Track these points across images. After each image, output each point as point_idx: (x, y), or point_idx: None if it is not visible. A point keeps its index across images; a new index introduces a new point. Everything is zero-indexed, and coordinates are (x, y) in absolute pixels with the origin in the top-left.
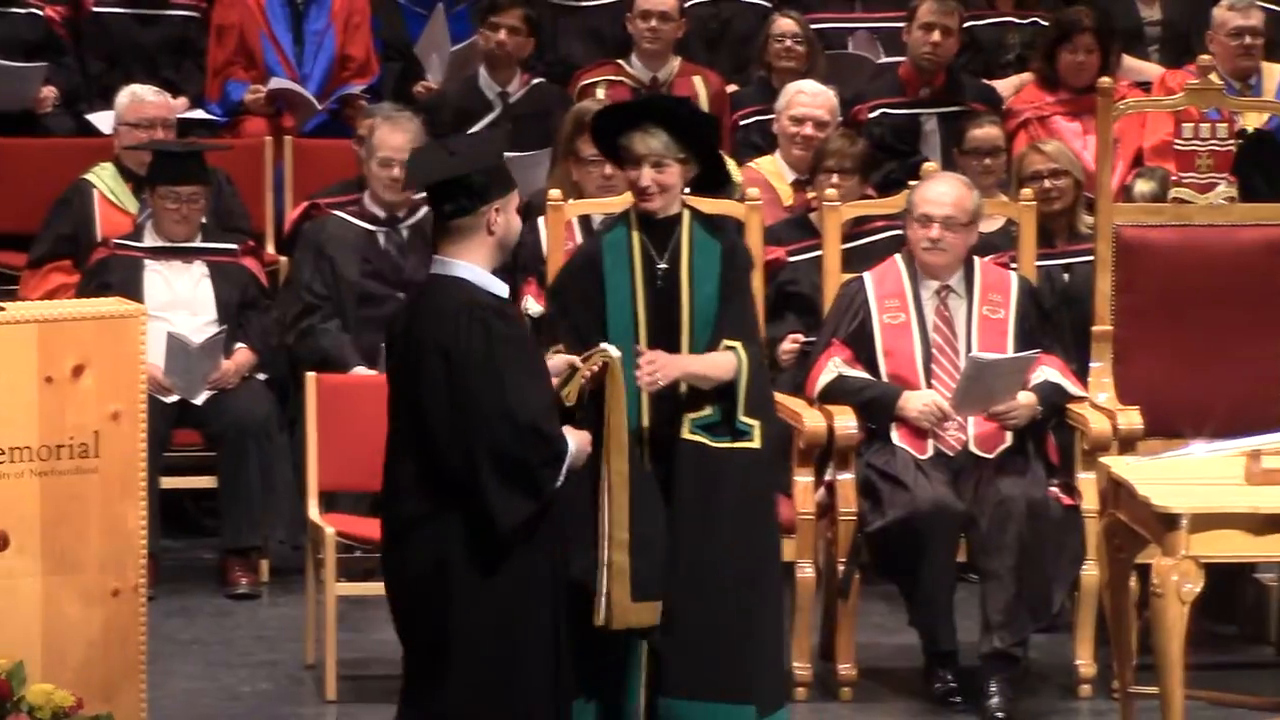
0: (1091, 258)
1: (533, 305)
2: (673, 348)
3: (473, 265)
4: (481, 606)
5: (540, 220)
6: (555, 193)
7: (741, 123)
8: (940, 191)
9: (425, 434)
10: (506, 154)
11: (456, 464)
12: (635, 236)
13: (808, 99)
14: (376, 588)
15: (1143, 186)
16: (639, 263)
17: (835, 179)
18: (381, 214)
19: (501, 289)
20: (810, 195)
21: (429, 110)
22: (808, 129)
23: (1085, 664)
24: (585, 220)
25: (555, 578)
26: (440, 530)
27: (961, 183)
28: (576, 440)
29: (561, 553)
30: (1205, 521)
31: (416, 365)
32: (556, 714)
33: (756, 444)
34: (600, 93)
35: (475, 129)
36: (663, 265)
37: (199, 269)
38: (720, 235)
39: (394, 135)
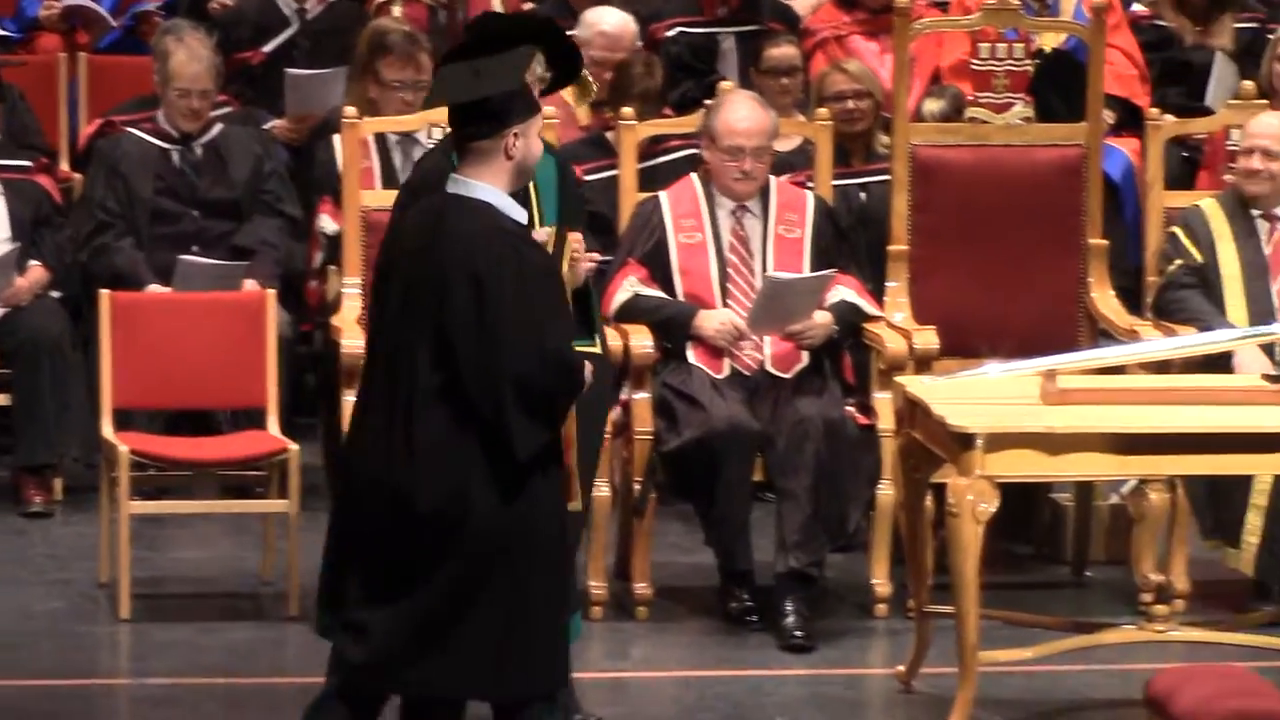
0: (888, 177)
1: (328, 224)
2: None
3: (493, 188)
4: (499, 531)
5: (336, 138)
6: (351, 110)
7: None
8: (748, 121)
9: (449, 356)
10: (298, 71)
11: (478, 390)
12: None
13: (610, 35)
14: (171, 506)
15: (932, 105)
16: None
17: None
18: (175, 132)
19: (521, 214)
20: (608, 115)
21: (224, 26)
22: (596, 50)
23: (881, 583)
24: (381, 139)
25: (560, 499)
26: (461, 455)
27: (761, 105)
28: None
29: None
30: (1000, 441)
31: (441, 288)
32: (564, 632)
33: (599, 349)
34: (396, 9)
35: (275, 43)
36: None
37: None
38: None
39: (190, 65)
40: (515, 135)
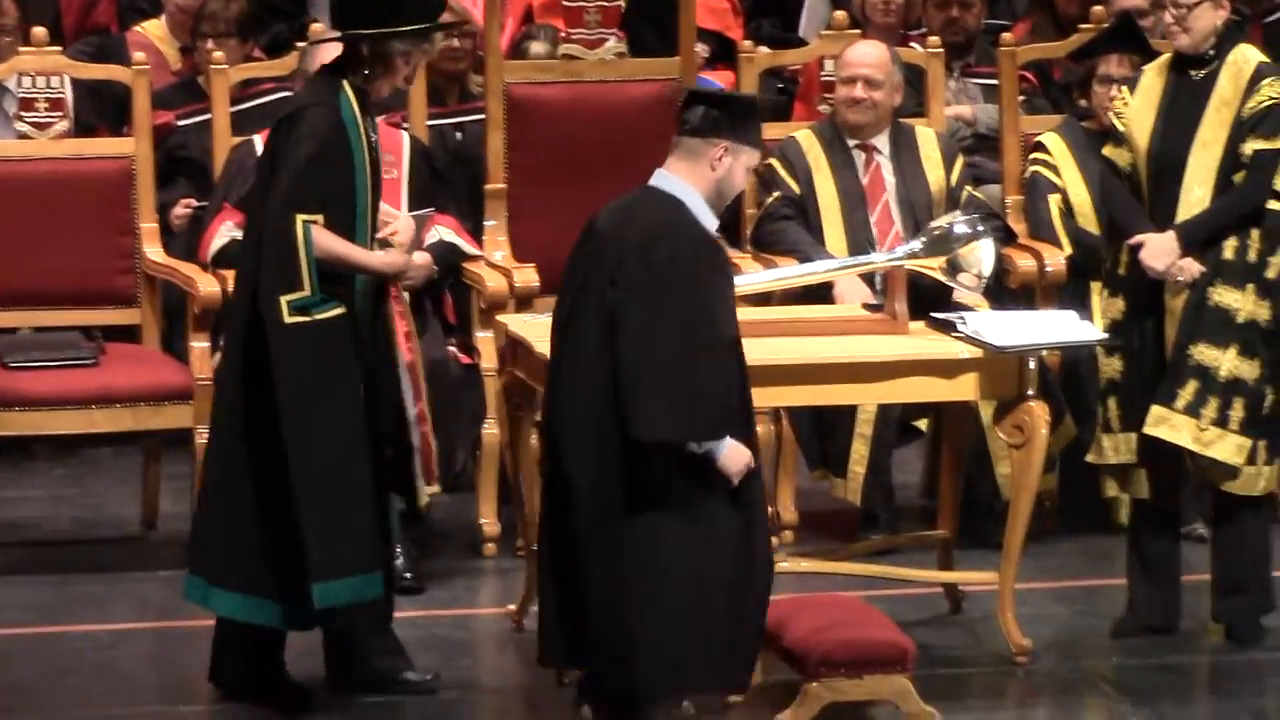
0: (483, 116)
1: None
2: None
3: (692, 189)
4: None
5: None
6: None
7: None
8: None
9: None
10: None
11: (621, 365)
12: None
13: None
14: None
15: (538, 47)
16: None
17: (211, 44)
18: None
19: (711, 220)
20: (198, 59)
21: None
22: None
23: (489, 523)
24: None
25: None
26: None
27: None
28: (734, 448)
29: None
30: None
31: (616, 266)
32: None
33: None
34: None
35: None
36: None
37: None
38: None
39: None
40: (725, 150)
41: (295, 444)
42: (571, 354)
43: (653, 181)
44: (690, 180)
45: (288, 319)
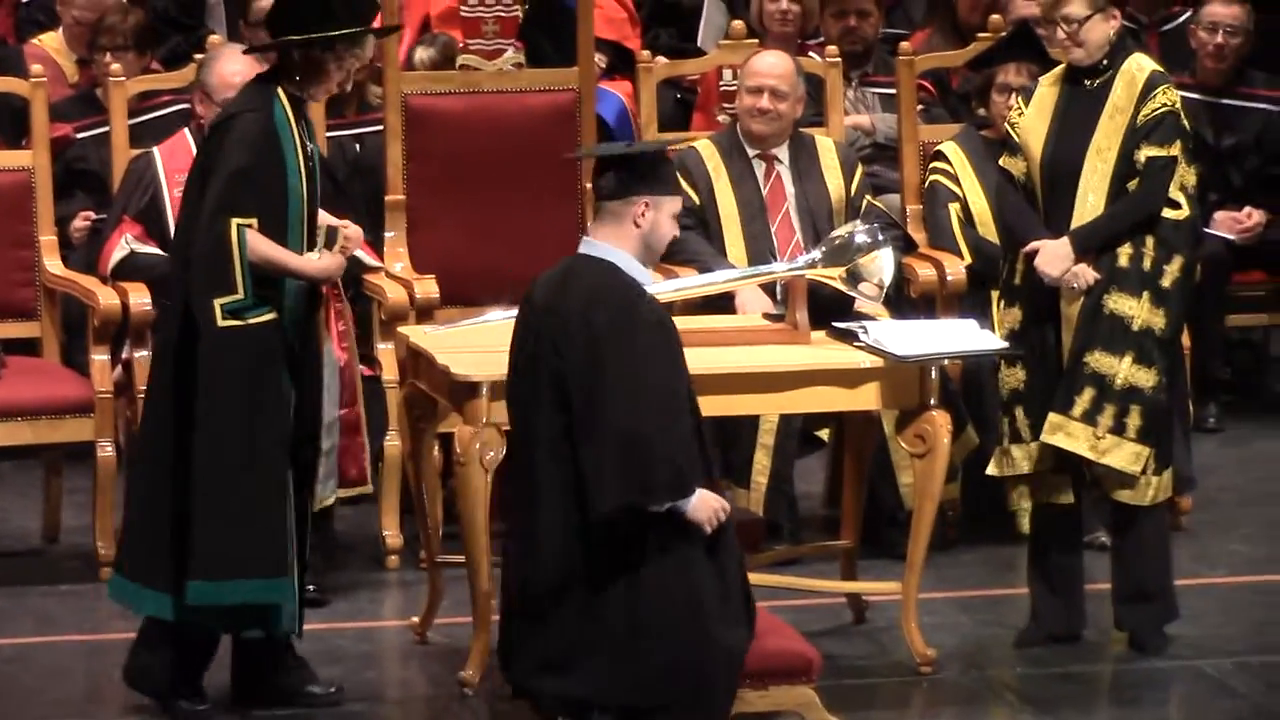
0: (381, 128)
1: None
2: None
3: (620, 251)
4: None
5: None
6: None
7: (22, 0)
8: (220, 61)
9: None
10: None
11: (581, 438)
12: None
13: None
14: None
15: (423, 54)
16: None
17: (109, 56)
18: None
19: (645, 275)
20: (96, 71)
21: None
22: (78, 10)
23: (392, 535)
24: None
25: None
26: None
27: (244, 56)
28: (701, 498)
29: None
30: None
31: (559, 336)
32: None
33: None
34: None
35: None
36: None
37: None
38: None
39: None
40: (646, 205)
41: (207, 439)
42: (531, 428)
43: (581, 249)
44: (617, 242)
45: (221, 322)
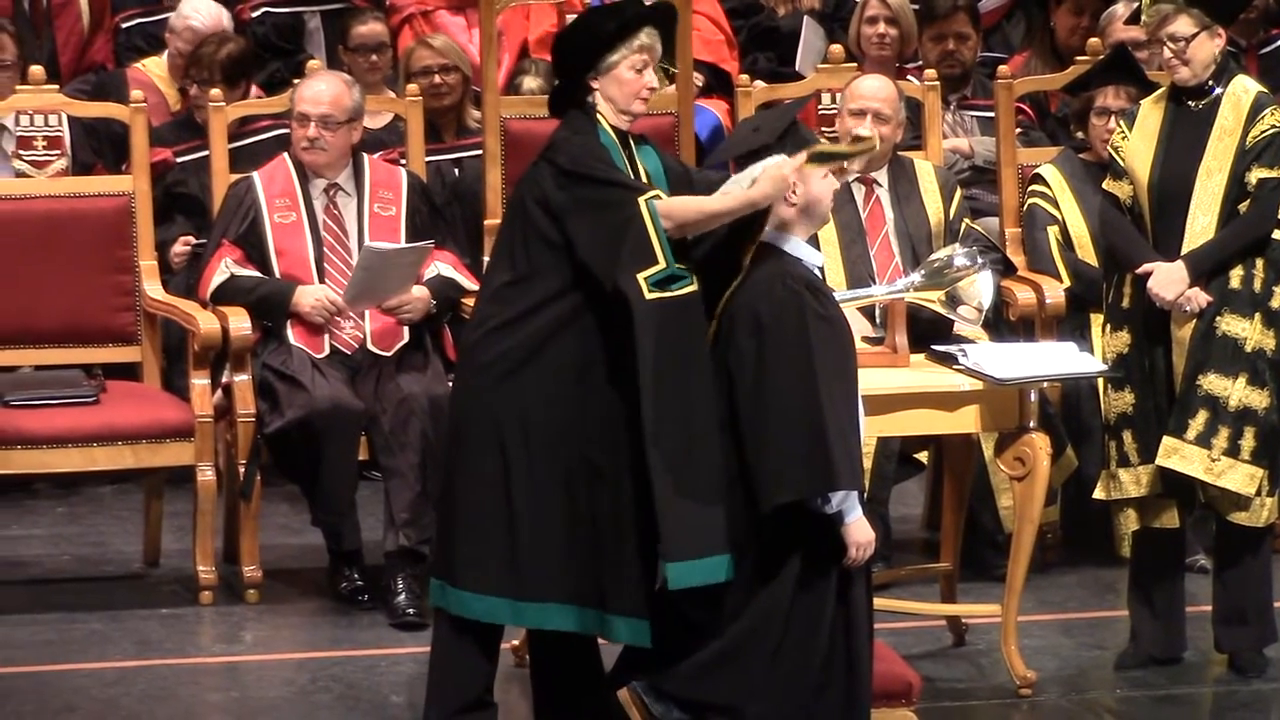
0: (480, 152)
1: None
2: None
3: (789, 235)
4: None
5: None
6: None
7: (124, 25)
8: (317, 90)
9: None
10: None
11: (746, 429)
12: None
13: (198, 31)
14: None
15: (530, 83)
16: None
17: (195, 89)
18: None
19: (817, 259)
20: (196, 96)
21: None
22: (182, 42)
23: None
24: None
25: None
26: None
27: (341, 80)
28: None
29: None
30: None
31: (730, 331)
32: None
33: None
34: None
35: None
36: None
37: None
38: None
39: None
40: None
41: (659, 424)
42: None
43: (763, 238)
44: (781, 224)
45: (648, 295)
